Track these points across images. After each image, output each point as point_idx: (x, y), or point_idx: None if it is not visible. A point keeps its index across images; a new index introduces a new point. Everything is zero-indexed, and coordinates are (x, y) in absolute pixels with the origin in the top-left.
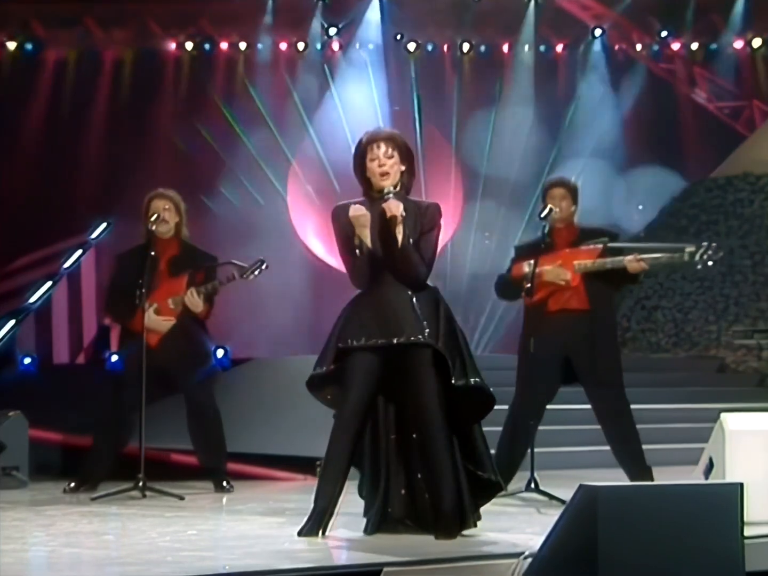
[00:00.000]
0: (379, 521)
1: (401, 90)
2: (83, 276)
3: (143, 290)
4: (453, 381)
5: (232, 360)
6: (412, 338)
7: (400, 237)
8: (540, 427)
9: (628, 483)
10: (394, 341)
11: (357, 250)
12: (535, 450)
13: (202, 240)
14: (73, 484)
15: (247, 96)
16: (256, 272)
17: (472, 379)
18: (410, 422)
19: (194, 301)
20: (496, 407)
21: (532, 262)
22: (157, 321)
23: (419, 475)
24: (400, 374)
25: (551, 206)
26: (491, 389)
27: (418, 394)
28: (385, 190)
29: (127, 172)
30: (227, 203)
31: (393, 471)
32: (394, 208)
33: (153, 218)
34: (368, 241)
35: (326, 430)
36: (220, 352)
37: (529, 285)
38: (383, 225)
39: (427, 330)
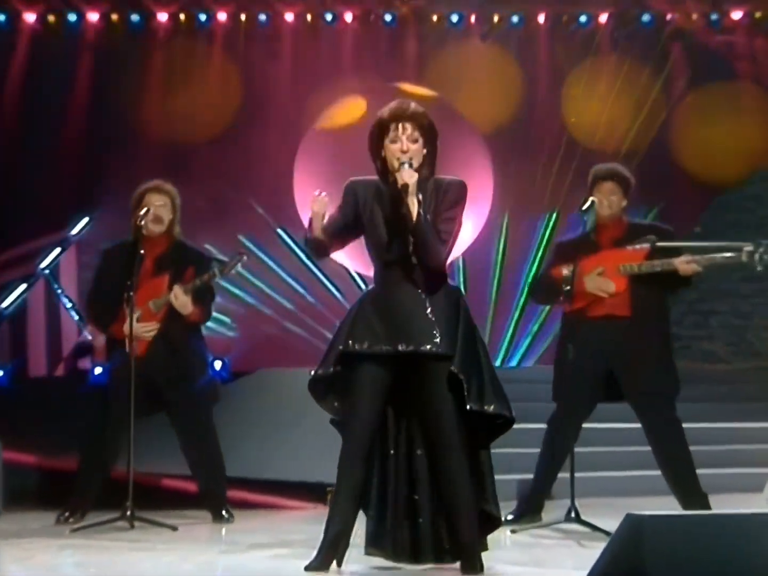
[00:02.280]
0: (383, 542)
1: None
2: (62, 277)
3: (131, 293)
4: (468, 406)
5: (232, 372)
6: (422, 348)
7: (414, 210)
8: (581, 449)
9: (681, 512)
10: (399, 348)
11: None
12: (576, 475)
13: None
14: (67, 513)
15: (246, 73)
16: (237, 266)
17: (488, 406)
18: (423, 443)
19: (180, 301)
20: (531, 426)
21: (572, 266)
22: (137, 327)
23: (430, 502)
24: (411, 386)
25: (593, 198)
26: (512, 411)
27: (432, 413)
28: (401, 162)
29: (113, 159)
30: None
31: (401, 493)
32: (407, 176)
33: (142, 212)
34: (414, 211)
35: (339, 453)
36: (218, 364)
37: (568, 288)
38: (396, 206)
39: (438, 338)
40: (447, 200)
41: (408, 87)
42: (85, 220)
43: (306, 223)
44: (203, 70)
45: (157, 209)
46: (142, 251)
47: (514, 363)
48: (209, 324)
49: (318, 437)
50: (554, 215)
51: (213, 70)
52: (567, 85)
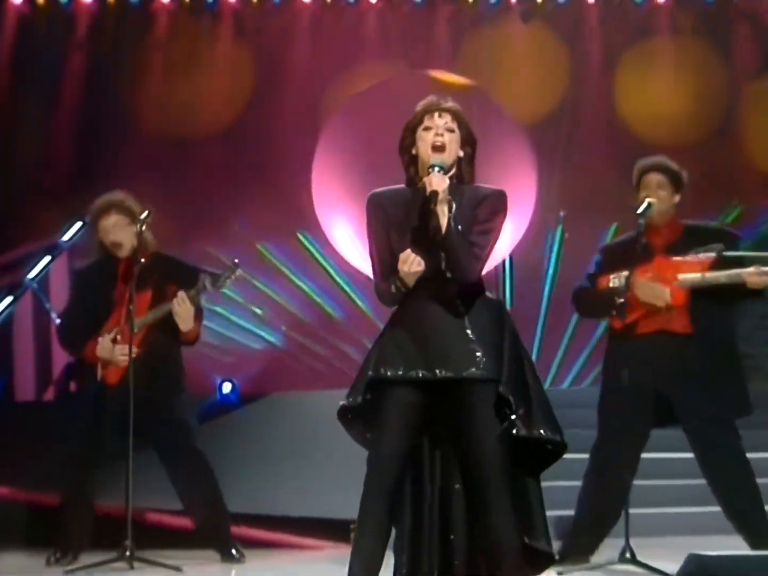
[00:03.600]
0: None
1: None
2: (53, 288)
3: (131, 306)
4: (515, 431)
5: (243, 395)
6: (464, 373)
7: (443, 220)
8: (636, 482)
9: (749, 552)
10: (438, 374)
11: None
12: (630, 511)
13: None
14: (58, 554)
15: (258, 59)
16: (231, 278)
17: (537, 431)
18: (462, 474)
19: (184, 310)
20: (573, 456)
21: (623, 274)
22: (114, 351)
23: (469, 541)
24: (451, 411)
25: (651, 200)
26: (563, 436)
27: (474, 440)
28: (432, 161)
29: (109, 156)
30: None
31: (435, 531)
32: (436, 182)
33: (108, 242)
34: (444, 222)
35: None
36: (226, 386)
37: (621, 301)
38: (425, 215)
39: (483, 360)
40: (484, 210)
41: (439, 74)
42: (78, 224)
43: (378, 269)
44: (209, 56)
45: (114, 235)
46: (142, 259)
47: (565, 384)
48: (214, 342)
49: (340, 468)
50: (613, 225)
51: (220, 55)
52: (620, 71)
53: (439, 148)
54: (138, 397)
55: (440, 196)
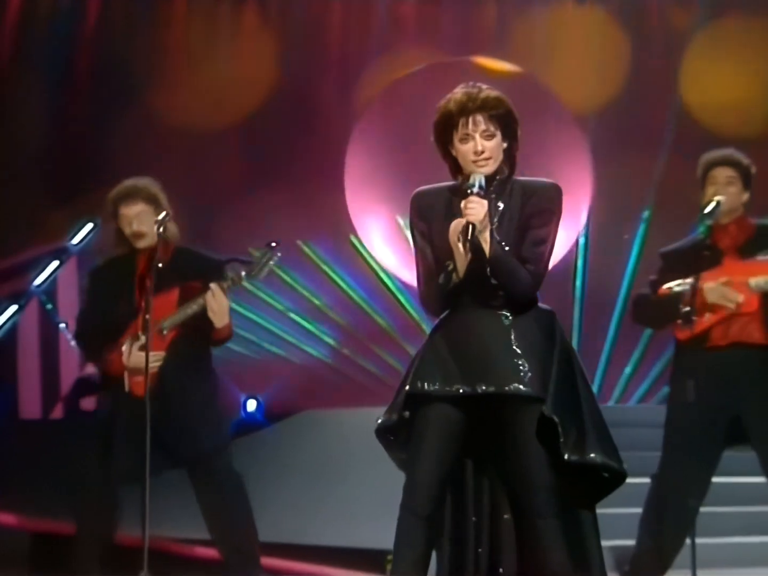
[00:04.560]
0: None
1: None
2: (60, 297)
3: (147, 315)
4: (565, 455)
5: (270, 414)
6: (506, 388)
7: (486, 248)
8: (703, 509)
9: None
10: (479, 389)
11: (444, 271)
12: (697, 541)
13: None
14: None
15: (283, 45)
16: (270, 264)
17: (591, 455)
18: (511, 502)
19: (219, 303)
20: (636, 480)
21: (689, 280)
22: (140, 358)
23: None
24: (495, 432)
25: (719, 198)
26: (621, 462)
27: (519, 467)
28: (470, 180)
29: (122, 149)
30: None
31: (483, 567)
32: (471, 212)
33: (129, 232)
34: (487, 247)
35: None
36: (251, 404)
37: (687, 309)
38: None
39: (528, 375)
40: (536, 215)
41: (483, 61)
42: (89, 226)
43: (423, 274)
44: (231, 41)
45: (136, 225)
46: (160, 264)
47: (632, 402)
48: (237, 352)
49: (374, 494)
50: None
51: (242, 40)
52: (686, 56)
53: (483, 162)
54: (167, 409)
55: (478, 228)
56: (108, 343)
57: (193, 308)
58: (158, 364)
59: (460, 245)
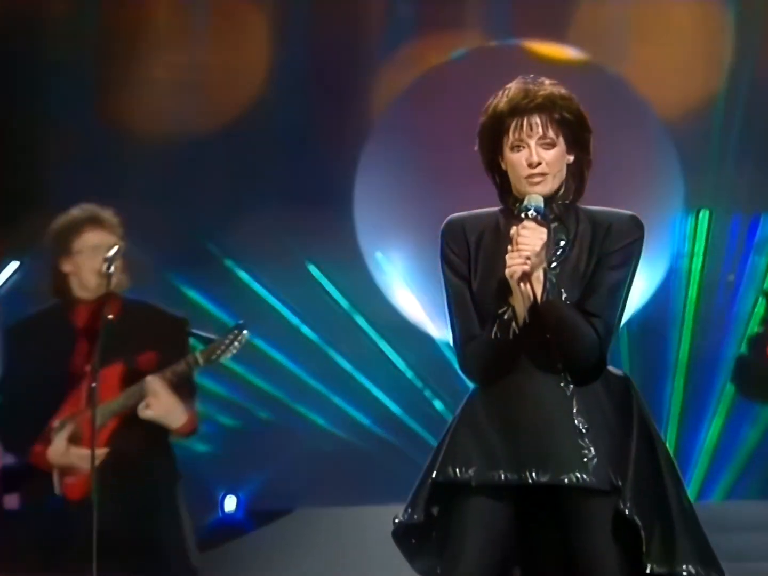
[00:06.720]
0: None
1: None
2: None
3: (93, 384)
4: (648, 568)
5: (252, 513)
6: (564, 478)
7: (538, 291)
8: None
9: None
10: (530, 479)
11: (496, 321)
12: None
13: None
14: None
15: (284, 31)
16: (233, 346)
17: (684, 566)
18: None
19: (163, 404)
20: None
21: None
22: (71, 455)
23: None
24: (552, 530)
25: None
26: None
27: (586, 570)
28: (523, 205)
29: (69, 163)
30: None
31: None
32: (525, 242)
33: (111, 253)
34: (539, 292)
35: None
36: (229, 501)
37: None
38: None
39: (594, 461)
40: (608, 255)
41: (542, 47)
42: (13, 265)
43: (459, 328)
44: (220, 28)
45: (94, 258)
46: (110, 316)
47: (728, 496)
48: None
49: None
50: None
51: (233, 25)
52: None
53: (537, 178)
54: (108, 517)
55: (526, 281)
56: (34, 429)
57: (134, 397)
58: (96, 461)
59: (522, 285)
